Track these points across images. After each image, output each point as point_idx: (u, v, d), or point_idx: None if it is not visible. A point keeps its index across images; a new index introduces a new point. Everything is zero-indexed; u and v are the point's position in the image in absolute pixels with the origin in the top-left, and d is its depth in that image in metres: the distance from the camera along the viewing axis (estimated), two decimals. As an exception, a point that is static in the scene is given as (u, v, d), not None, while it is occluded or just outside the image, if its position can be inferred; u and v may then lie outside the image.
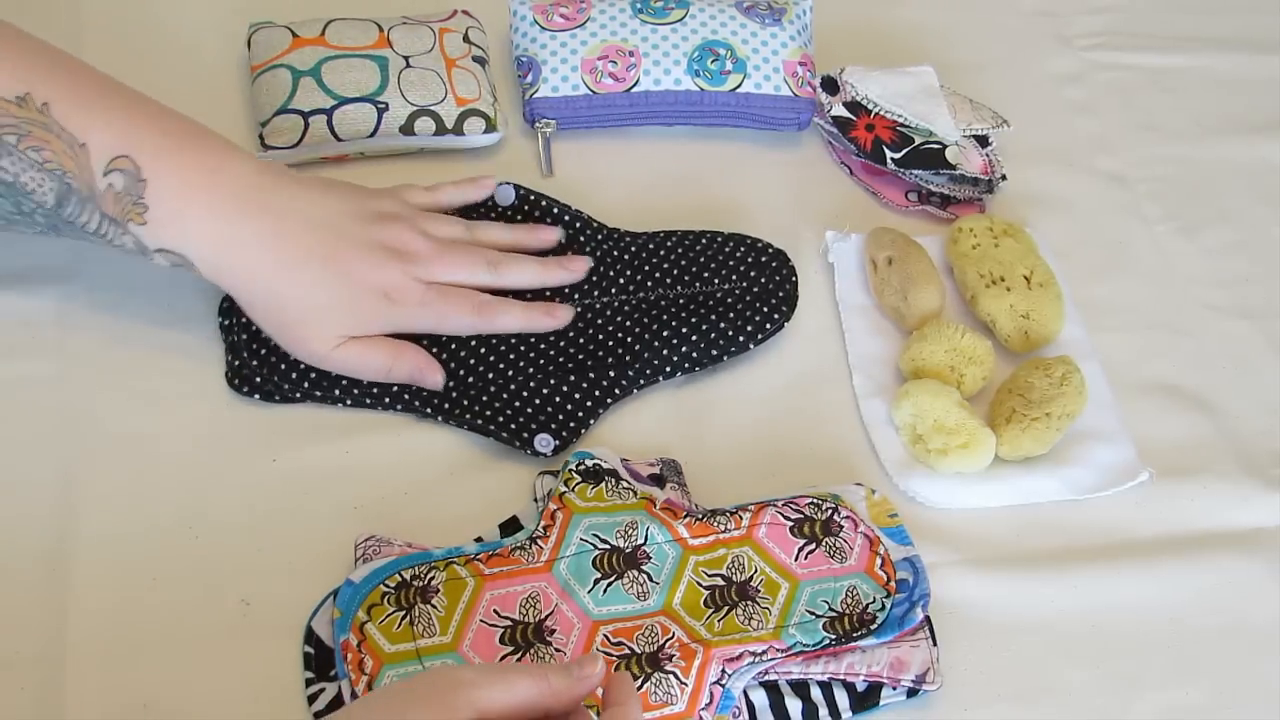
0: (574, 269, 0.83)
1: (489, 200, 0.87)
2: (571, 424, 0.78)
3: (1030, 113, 0.99)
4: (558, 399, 0.79)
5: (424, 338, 0.80)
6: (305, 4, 0.94)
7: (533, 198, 0.87)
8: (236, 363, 0.78)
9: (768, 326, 0.82)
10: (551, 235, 0.85)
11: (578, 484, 0.73)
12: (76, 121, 0.69)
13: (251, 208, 0.73)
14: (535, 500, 0.75)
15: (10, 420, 0.75)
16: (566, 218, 0.86)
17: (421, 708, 0.53)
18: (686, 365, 0.81)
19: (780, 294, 0.83)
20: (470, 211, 0.86)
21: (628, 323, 0.82)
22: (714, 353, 0.81)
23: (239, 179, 0.73)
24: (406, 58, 0.90)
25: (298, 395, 0.78)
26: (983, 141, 0.93)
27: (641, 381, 0.80)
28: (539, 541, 0.71)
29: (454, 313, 0.78)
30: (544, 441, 0.77)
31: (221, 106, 0.92)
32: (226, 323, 0.79)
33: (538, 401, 0.79)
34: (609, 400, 0.79)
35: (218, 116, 0.91)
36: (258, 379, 0.77)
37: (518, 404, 0.78)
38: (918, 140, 0.91)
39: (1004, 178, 0.92)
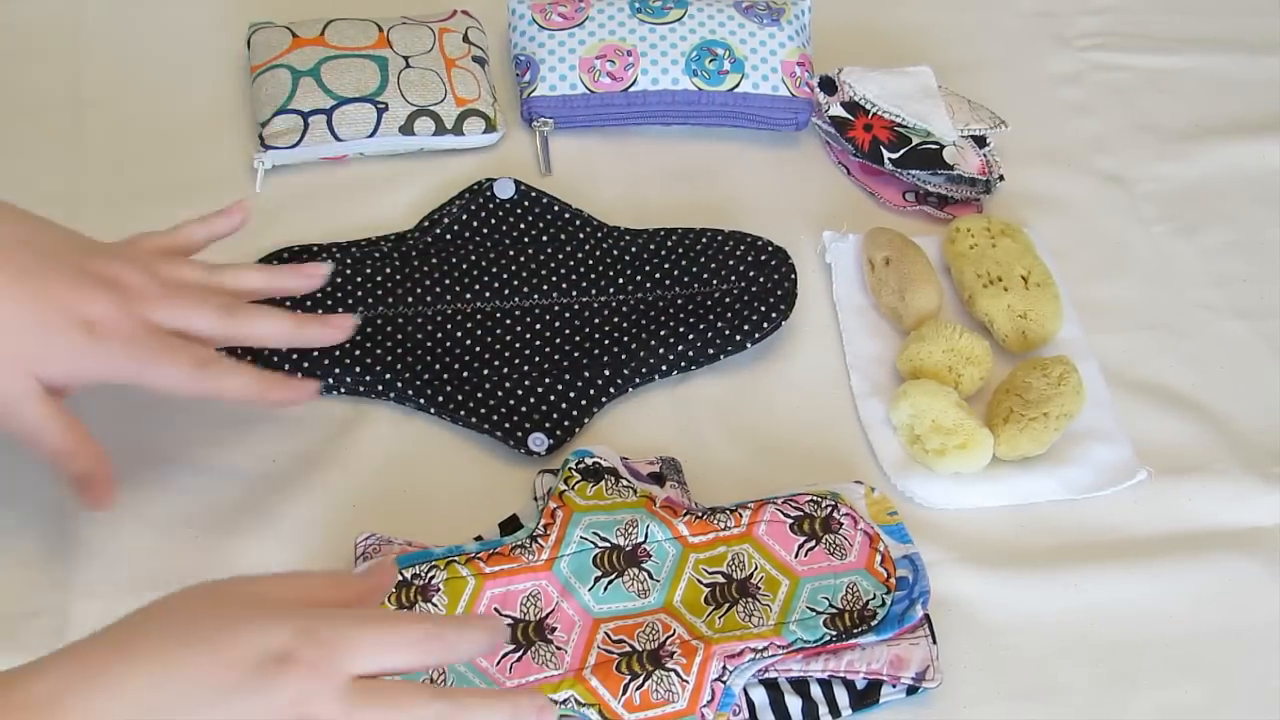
0: (338, 327, 0.72)
1: (489, 197, 0.87)
2: (566, 423, 0.78)
3: (1028, 113, 0.99)
4: (552, 397, 0.79)
5: (417, 331, 0.80)
6: (305, 4, 0.94)
7: (533, 194, 0.87)
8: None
9: (764, 326, 0.82)
10: (319, 271, 0.73)
11: (578, 482, 0.73)
12: None
13: None
14: (535, 499, 0.75)
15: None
16: (566, 215, 0.86)
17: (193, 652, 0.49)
18: (682, 365, 0.81)
19: (779, 293, 0.83)
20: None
21: (625, 323, 0.82)
22: (710, 352, 0.81)
23: None
24: (406, 58, 0.90)
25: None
26: (980, 142, 0.93)
27: (637, 381, 0.81)
28: (539, 540, 0.71)
29: (166, 362, 0.65)
30: (538, 440, 0.77)
31: (221, 106, 0.92)
32: None
33: (532, 400, 0.79)
34: (604, 399, 0.80)
35: (217, 116, 0.92)
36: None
37: (512, 402, 0.78)
38: (915, 140, 0.91)
39: (1001, 178, 0.92)
